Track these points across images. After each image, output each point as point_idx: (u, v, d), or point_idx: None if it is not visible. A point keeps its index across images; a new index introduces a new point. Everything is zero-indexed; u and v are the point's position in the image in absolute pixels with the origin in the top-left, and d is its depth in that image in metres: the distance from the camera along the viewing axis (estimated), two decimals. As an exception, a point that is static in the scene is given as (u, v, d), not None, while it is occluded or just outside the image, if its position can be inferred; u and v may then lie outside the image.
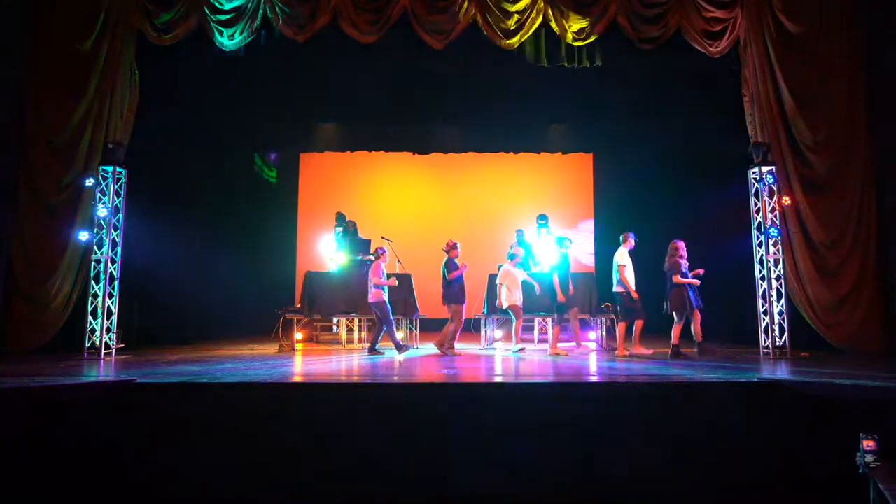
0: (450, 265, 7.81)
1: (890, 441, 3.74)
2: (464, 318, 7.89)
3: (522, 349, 8.00)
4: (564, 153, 12.59)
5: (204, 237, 10.43)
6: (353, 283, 8.60)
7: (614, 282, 7.63)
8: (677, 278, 7.27)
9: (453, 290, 7.77)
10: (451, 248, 7.91)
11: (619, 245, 7.72)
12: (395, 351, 7.77)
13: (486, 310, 8.87)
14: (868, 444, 3.03)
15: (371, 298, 7.75)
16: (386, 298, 7.78)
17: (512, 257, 8.22)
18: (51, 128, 7.87)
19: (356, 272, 8.82)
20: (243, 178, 11.42)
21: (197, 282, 9.89)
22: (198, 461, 4.76)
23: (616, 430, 4.84)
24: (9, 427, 4.50)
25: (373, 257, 8.46)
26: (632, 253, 7.65)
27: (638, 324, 7.53)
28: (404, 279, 8.57)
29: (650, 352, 7.51)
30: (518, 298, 7.92)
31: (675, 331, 7.33)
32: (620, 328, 7.60)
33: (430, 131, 12.18)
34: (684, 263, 7.37)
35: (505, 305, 7.97)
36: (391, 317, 7.84)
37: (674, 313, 7.37)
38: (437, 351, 7.71)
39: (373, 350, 7.79)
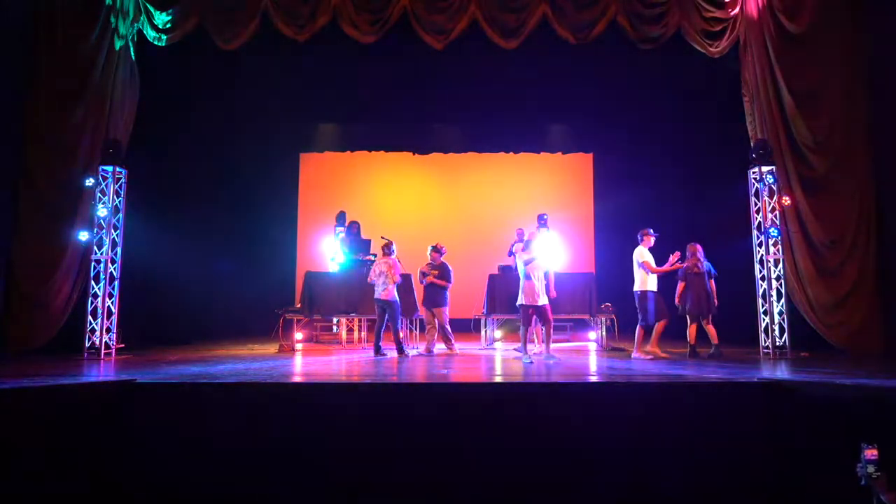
0: (444, 271, 7.85)
1: (890, 441, 3.74)
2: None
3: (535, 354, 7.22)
4: (564, 153, 12.59)
5: (204, 237, 10.43)
6: (354, 283, 8.59)
7: (636, 282, 7.32)
8: (712, 282, 7.29)
9: (442, 294, 7.84)
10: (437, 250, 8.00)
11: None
12: (395, 352, 7.65)
13: (486, 310, 8.87)
14: (870, 453, 2.92)
15: (386, 296, 7.55)
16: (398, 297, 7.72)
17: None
18: (51, 128, 7.87)
19: (356, 272, 8.81)
20: (243, 177, 11.42)
21: (197, 282, 9.89)
22: (198, 461, 4.76)
23: (615, 431, 4.84)
24: (9, 427, 4.50)
25: (373, 257, 8.43)
26: (652, 251, 7.40)
27: (661, 324, 7.25)
28: (404, 279, 8.55)
29: (665, 355, 7.26)
30: (529, 297, 6.93)
31: (710, 330, 7.29)
32: (640, 331, 7.28)
33: (430, 131, 12.19)
34: None
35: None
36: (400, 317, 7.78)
37: (699, 315, 7.31)
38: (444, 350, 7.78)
39: (378, 352, 7.61)
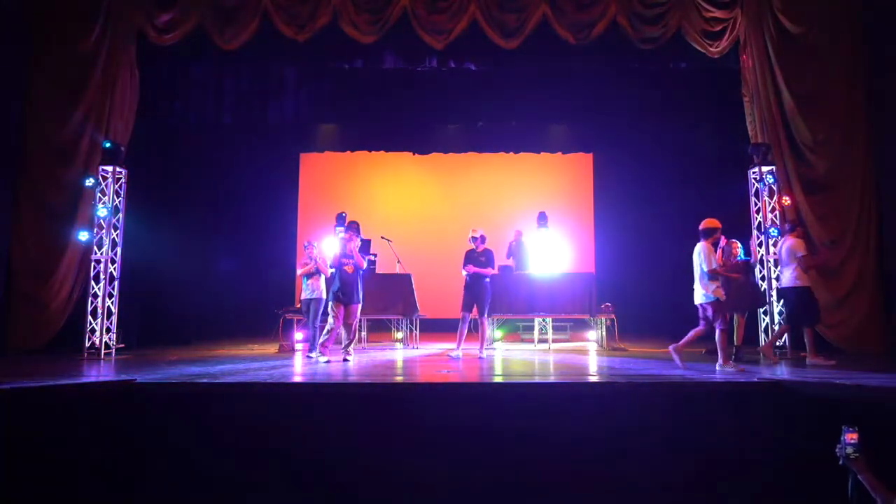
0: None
1: (889, 440, 3.74)
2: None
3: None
4: (564, 153, 12.58)
5: (204, 237, 10.44)
6: (353, 283, 8.58)
7: (786, 279, 6.81)
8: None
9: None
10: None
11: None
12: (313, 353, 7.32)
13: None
14: (851, 437, 3.08)
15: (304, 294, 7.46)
16: (314, 296, 7.37)
17: None
18: (51, 128, 7.87)
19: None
20: (243, 177, 11.42)
21: (197, 282, 9.89)
22: (197, 461, 4.76)
23: (615, 431, 4.84)
24: (8, 427, 4.50)
25: (373, 257, 8.41)
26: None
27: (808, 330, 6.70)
28: (404, 279, 8.56)
29: (833, 361, 6.52)
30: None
31: (741, 330, 7.12)
32: (783, 331, 6.93)
33: (430, 131, 12.17)
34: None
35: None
36: (314, 321, 7.42)
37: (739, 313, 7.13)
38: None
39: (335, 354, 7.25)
